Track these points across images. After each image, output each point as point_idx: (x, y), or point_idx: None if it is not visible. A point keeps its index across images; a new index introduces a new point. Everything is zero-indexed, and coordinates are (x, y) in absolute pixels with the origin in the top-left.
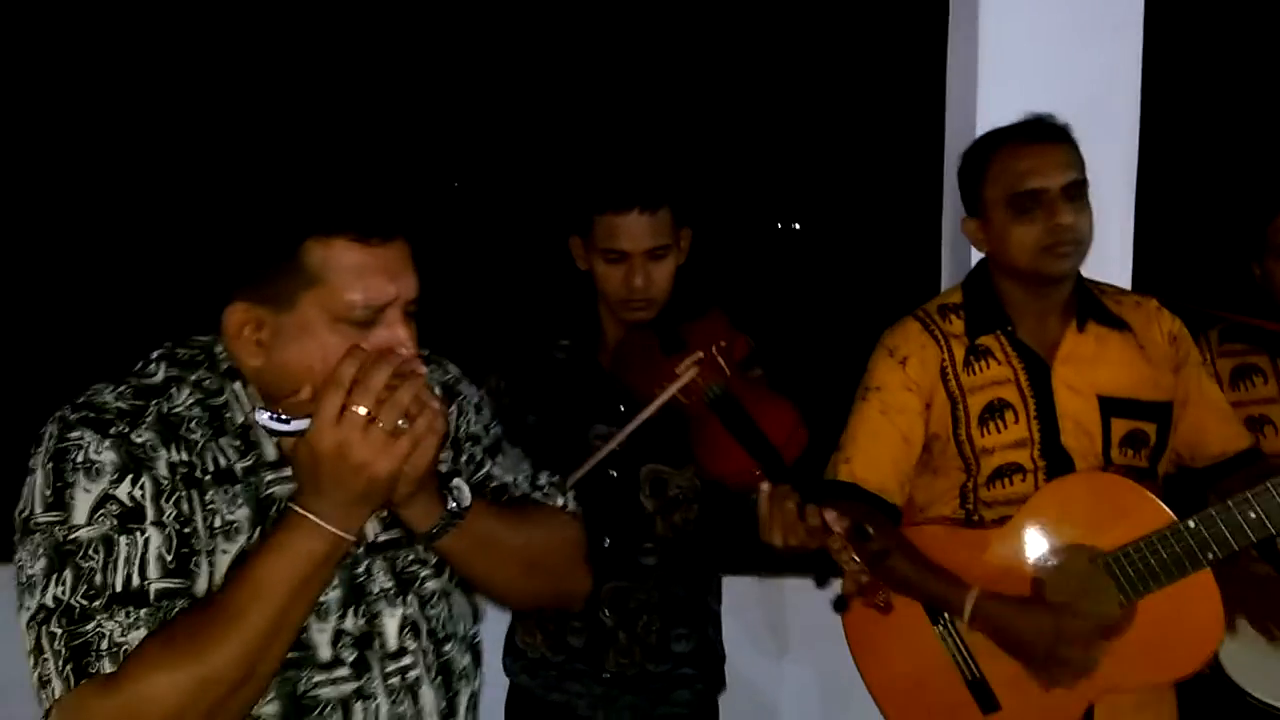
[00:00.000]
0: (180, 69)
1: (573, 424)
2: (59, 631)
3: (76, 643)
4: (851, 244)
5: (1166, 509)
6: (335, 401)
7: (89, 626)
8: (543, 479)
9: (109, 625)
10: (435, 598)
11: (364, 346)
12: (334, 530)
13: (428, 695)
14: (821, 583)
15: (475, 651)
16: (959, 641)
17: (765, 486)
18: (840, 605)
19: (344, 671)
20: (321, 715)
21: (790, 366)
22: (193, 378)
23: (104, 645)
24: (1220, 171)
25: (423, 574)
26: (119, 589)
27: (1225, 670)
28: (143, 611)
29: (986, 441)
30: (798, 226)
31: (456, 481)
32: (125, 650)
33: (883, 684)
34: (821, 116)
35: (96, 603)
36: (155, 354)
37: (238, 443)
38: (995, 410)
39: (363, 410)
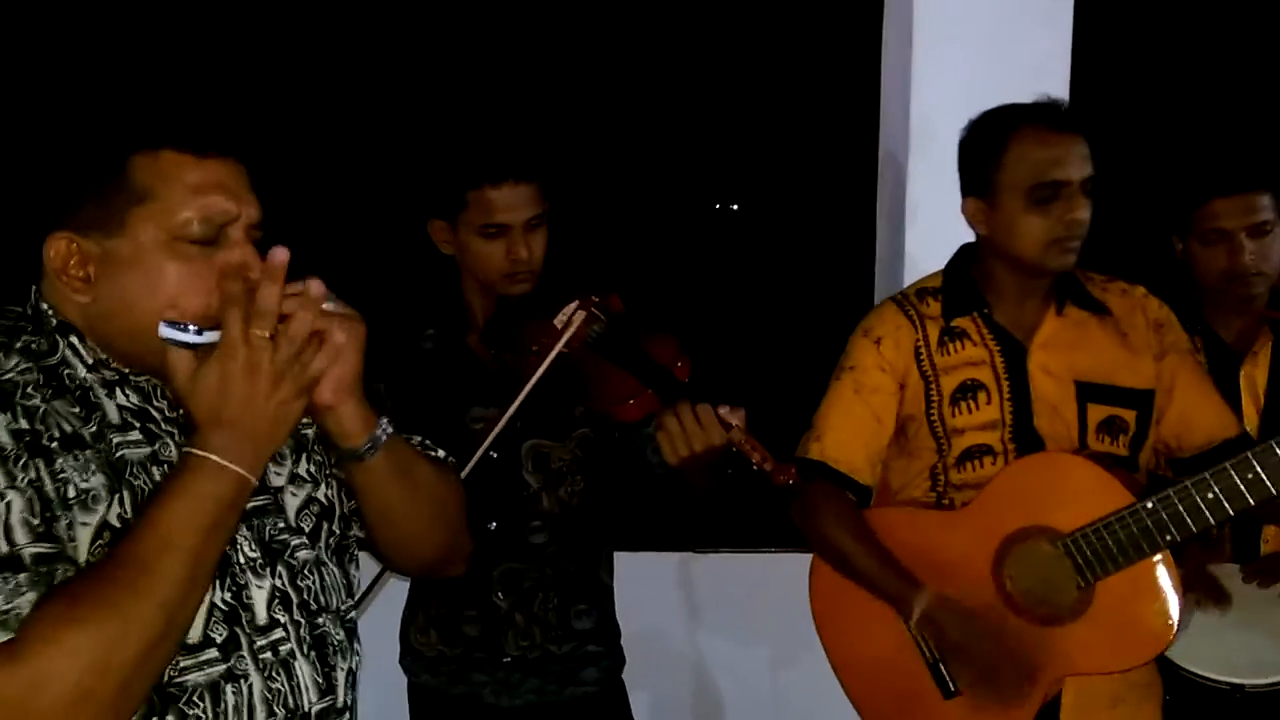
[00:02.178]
0: None
1: (450, 412)
2: None
3: None
4: (789, 226)
5: (1127, 491)
6: (238, 317)
7: None
8: (415, 437)
9: None
10: (306, 568)
11: (207, 268)
12: (236, 469)
13: (303, 669)
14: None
15: (349, 628)
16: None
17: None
18: (790, 492)
19: (212, 653)
20: (190, 703)
21: (726, 345)
22: (19, 345)
23: None
24: (1145, 153)
25: (293, 543)
26: None
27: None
28: (22, 576)
29: (958, 421)
30: (736, 207)
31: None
32: (17, 615)
33: (846, 661)
34: (758, 97)
35: None
36: None
37: (76, 408)
38: (968, 390)
39: (265, 333)
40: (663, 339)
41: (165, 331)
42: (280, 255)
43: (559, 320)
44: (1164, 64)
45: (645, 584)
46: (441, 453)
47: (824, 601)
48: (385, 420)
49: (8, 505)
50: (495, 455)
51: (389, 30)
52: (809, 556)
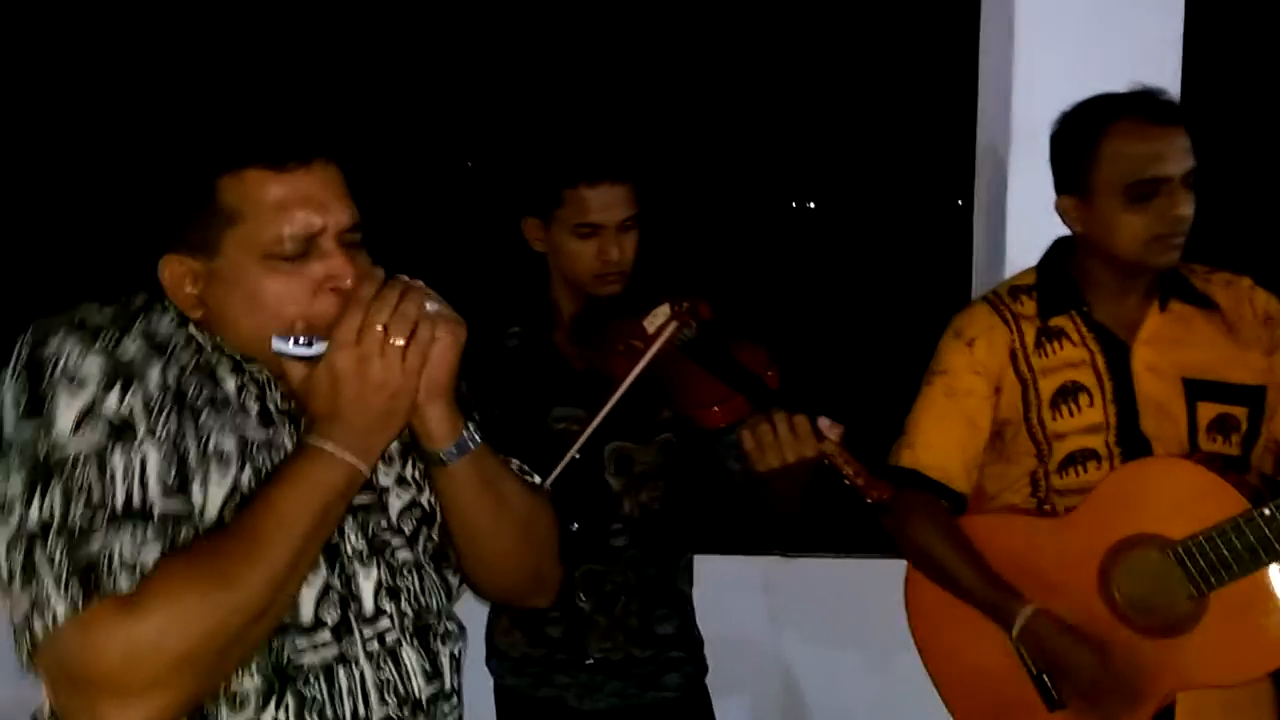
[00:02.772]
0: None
1: (533, 411)
2: (58, 552)
3: (82, 562)
4: (877, 223)
5: (1241, 496)
6: (354, 321)
7: (93, 546)
8: (514, 462)
9: (116, 543)
10: (405, 569)
11: (302, 282)
12: (350, 460)
13: (409, 656)
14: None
15: (454, 619)
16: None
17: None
18: (883, 508)
19: (325, 635)
20: (307, 683)
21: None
22: (138, 327)
23: (115, 563)
24: (1261, 141)
25: (394, 543)
26: (120, 506)
27: None
28: (149, 530)
29: (1059, 426)
30: (812, 205)
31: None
32: (141, 569)
33: (946, 673)
34: (845, 91)
35: (98, 519)
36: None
37: (209, 380)
38: (1069, 393)
39: (380, 326)
40: (752, 346)
41: (278, 345)
42: (378, 272)
43: (649, 322)
44: None
45: (732, 588)
46: (537, 478)
47: (922, 608)
48: (473, 427)
49: (144, 459)
50: (579, 456)
51: (491, 27)
52: (899, 562)
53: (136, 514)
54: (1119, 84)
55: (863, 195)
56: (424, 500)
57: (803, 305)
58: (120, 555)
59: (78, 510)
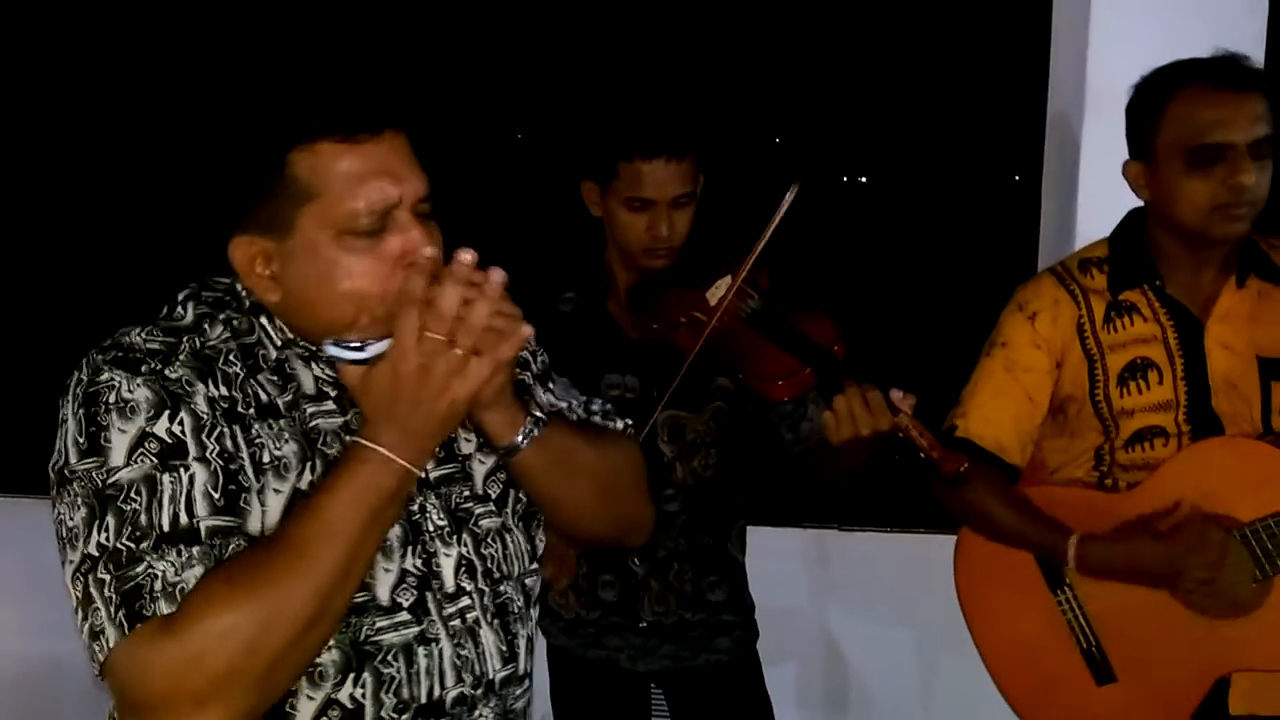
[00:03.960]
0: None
1: (584, 377)
2: (107, 578)
3: (127, 587)
4: (937, 193)
5: None
6: (413, 322)
7: (139, 569)
8: (596, 405)
9: (160, 565)
10: (490, 536)
11: (380, 258)
12: (403, 463)
13: (488, 637)
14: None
15: (528, 594)
16: (1078, 610)
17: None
18: (959, 479)
19: (404, 616)
20: (385, 661)
21: (874, 320)
22: (222, 316)
23: (157, 586)
24: None
25: (477, 511)
26: (166, 528)
27: None
28: (195, 550)
29: (1126, 403)
30: (864, 180)
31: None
32: (182, 589)
33: (993, 646)
34: (907, 69)
35: (144, 544)
36: (181, 295)
37: (274, 377)
38: (1137, 370)
39: (440, 336)
40: (816, 317)
41: (331, 351)
42: (465, 257)
43: (711, 294)
44: None
45: (786, 559)
46: (621, 423)
47: (970, 581)
48: (532, 419)
49: (191, 477)
50: (631, 423)
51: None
52: (952, 538)
53: (183, 535)
54: (1199, 48)
55: (919, 167)
56: None
57: (856, 279)
58: (163, 577)
59: (126, 537)
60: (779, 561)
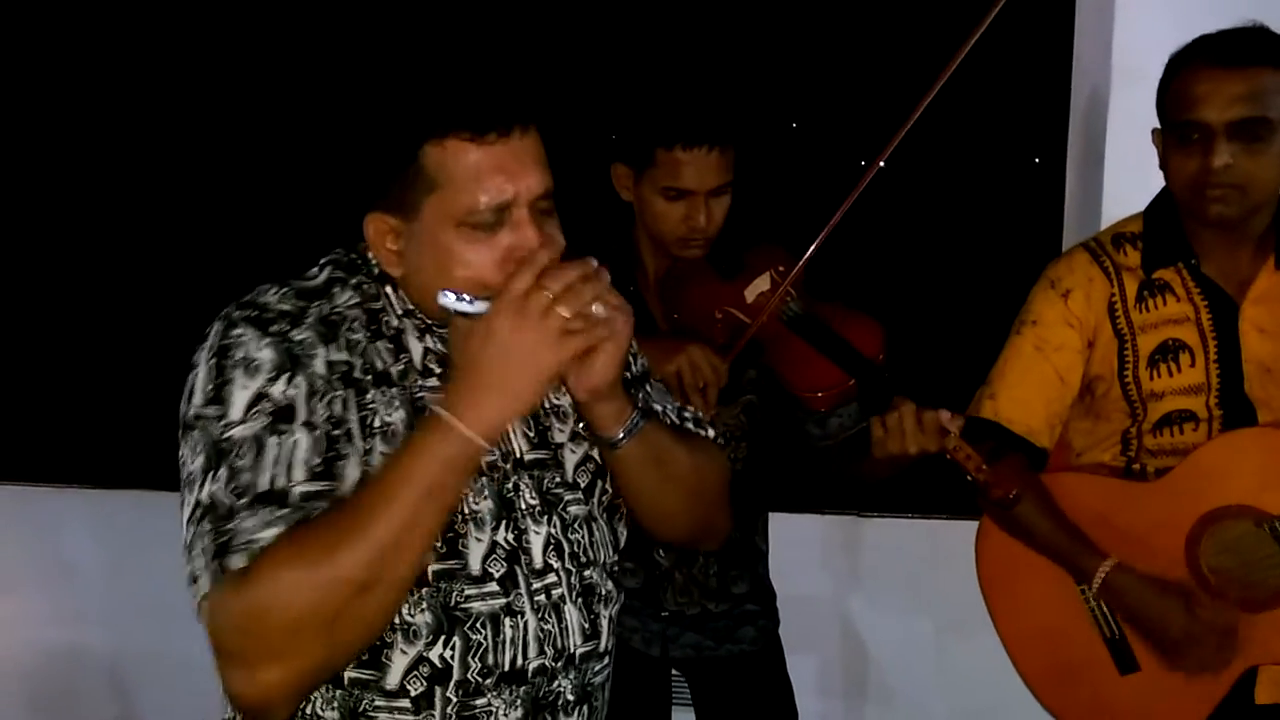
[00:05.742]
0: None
1: None
2: (208, 528)
3: (221, 540)
4: (948, 180)
5: None
6: (525, 281)
7: (231, 524)
8: (688, 412)
9: (248, 523)
10: (577, 523)
11: (493, 250)
12: (467, 432)
13: (571, 614)
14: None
15: (615, 580)
16: (1102, 599)
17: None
18: (1008, 504)
19: (493, 587)
20: (474, 628)
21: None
22: (354, 280)
23: (239, 541)
24: None
25: (566, 497)
26: (262, 489)
27: None
28: (283, 511)
29: (1156, 385)
30: (883, 164)
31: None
32: (259, 547)
33: (1014, 633)
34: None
35: (243, 500)
36: (324, 259)
37: (391, 346)
38: (1169, 351)
39: (549, 294)
40: (861, 321)
41: (443, 300)
42: (603, 273)
43: (749, 291)
44: None
45: (806, 546)
46: (711, 432)
47: (993, 566)
48: (638, 412)
49: (295, 444)
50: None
51: None
52: (974, 524)
53: (276, 497)
54: (1230, 20)
55: (939, 151)
56: (597, 454)
57: (880, 262)
58: (246, 533)
59: (231, 491)
60: (799, 549)
